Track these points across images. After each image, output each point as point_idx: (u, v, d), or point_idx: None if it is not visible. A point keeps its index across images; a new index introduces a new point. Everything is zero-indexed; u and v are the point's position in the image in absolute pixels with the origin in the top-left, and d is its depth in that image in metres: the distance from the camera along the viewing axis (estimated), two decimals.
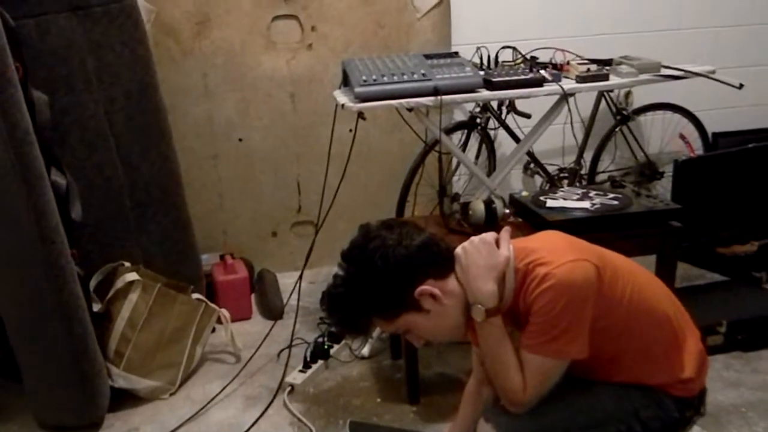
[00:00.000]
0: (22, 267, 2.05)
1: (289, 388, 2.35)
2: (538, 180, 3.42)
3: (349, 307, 1.42)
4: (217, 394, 2.35)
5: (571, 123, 3.17)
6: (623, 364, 1.43)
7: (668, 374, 1.43)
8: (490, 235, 1.43)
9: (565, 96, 2.43)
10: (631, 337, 1.42)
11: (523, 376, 1.37)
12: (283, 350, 2.60)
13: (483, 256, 1.40)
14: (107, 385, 2.25)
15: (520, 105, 3.10)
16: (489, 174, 3.05)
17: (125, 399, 2.32)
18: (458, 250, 1.44)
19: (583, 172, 3.32)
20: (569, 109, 2.70)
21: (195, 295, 2.56)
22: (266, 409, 2.25)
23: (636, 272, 1.47)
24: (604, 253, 1.44)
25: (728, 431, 1.96)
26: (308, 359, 2.49)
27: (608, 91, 3.25)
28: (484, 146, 3.26)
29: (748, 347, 2.38)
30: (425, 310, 1.40)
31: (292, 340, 2.56)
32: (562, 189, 2.34)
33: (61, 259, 2.06)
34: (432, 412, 2.19)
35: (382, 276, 1.37)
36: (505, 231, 1.45)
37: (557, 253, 1.37)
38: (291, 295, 2.72)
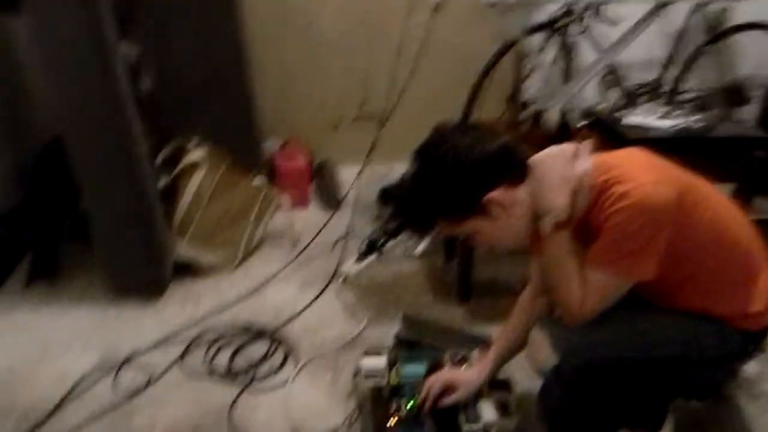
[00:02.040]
0: (95, 134, 2.10)
1: (342, 277, 2.42)
2: (615, 94, 3.26)
3: (416, 207, 1.41)
4: (275, 275, 2.44)
5: (659, 36, 2.96)
6: (692, 290, 1.40)
7: (735, 306, 1.40)
8: (569, 147, 1.37)
9: (660, 5, 2.26)
10: (704, 265, 1.37)
11: (582, 291, 1.36)
12: (338, 241, 2.65)
13: (559, 167, 1.35)
14: (172, 256, 2.35)
15: (607, 11, 2.91)
16: (564, 83, 2.92)
17: (188, 271, 2.43)
18: (534, 158, 1.39)
19: (664, 89, 3.14)
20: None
21: (257, 179, 2.61)
22: (320, 294, 2.32)
23: (718, 201, 1.40)
24: (687, 178, 1.37)
25: None
26: (363, 252, 2.54)
27: (704, 5, 3.01)
28: (562, 52, 3.10)
29: None
30: (492, 216, 1.38)
31: (348, 232, 2.60)
32: (643, 106, 2.22)
33: (132, 130, 2.10)
34: (480, 313, 2.23)
35: (453, 178, 1.34)
36: (586, 144, 1.39)
37: (638, 172, 1.31)
38: (351, 188, 2.73)
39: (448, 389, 1.60)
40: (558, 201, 1.34)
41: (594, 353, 1.37)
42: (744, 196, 2.03)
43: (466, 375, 1.62)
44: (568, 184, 1.34)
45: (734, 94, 3.21)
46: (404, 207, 1.44)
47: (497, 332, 1.67)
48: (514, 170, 1.37)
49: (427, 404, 1.58)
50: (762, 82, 3.16)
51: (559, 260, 1.37)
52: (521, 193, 1.38)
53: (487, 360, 1.62)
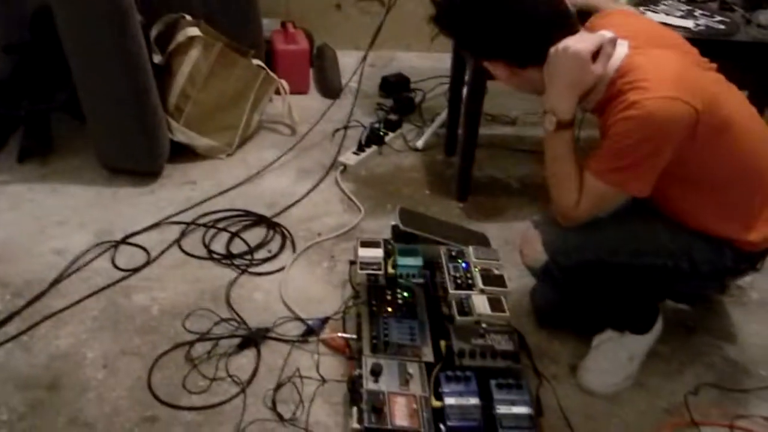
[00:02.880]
0: (85, 6, 1.99)
1: (341, 167, 2.39)
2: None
3: (462, 20, 1.38)
4: (273, 162, 2.41)
5: None
6: (697, 209, 1.39)
7: (736, 231, 1.40)
8: (587, 47, 1.28)
9: None
10: (715, 187, 1.36)
11: (579, 194, 1.35)
12: (338, 130, 2.59)
13: (571, 70, 1.29)
14: (167, 137, 2.30)
15: None
16: None
17: (184, 154, 2.39)
18: (552, 50, 1.32)
19: None
20: None
21: (255, 61, 2.51)
22: (318, 183, 2.31)
23: (746, 119, 1.36)
24: (717, 95, 1.31)
25: None
26: (362, 143, 2.50)
27: None
28: None
29: None
30: (510, 70, 1.38)
31: (348, 121, 2.54)
32: (666, 2, 2.11)
33: (124, 2, 1.99)
34: (477, 210, 2.23)
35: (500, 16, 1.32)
36: (609, 44, 1.30)
37: (662, 82, 1.24)
38: (352, 76, 2.65)
39: None
40: (563, 103, 1.32)
41: (584, 255, 1.39)
42: (758, 105, 1.98)
43: None
44: (577, 89, 1.30)
45: None
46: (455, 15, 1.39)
47: None
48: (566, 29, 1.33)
49: None
50: None
51: (558, 159, 1.37)
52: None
53: None
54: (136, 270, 1.87)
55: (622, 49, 1.31)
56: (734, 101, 1.36)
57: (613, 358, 1.57)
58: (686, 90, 1.24)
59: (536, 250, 1.45)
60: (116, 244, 1.96)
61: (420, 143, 2.58)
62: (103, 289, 1.80)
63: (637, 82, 1.25)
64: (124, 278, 1.84)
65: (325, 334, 1.65)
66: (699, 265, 1.41)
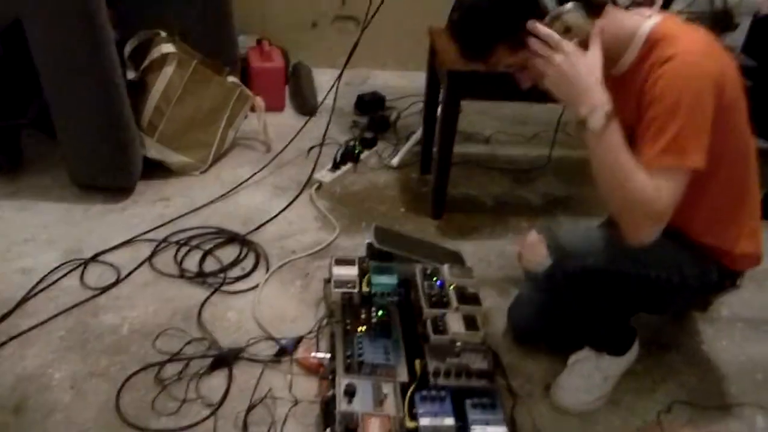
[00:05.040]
0: (59, 21, 1.96)
1: (316, 185, 2.39)
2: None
3: (484, 24, 1.31)
4: (247, 179, 2.39)
5: None
6: (692, 217, 1.40)
7: (724, 240, 1.42)
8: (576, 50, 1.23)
9: None
10: (716, 181, 1.35)
11: (650, 180, 1.22)
12: (313, 147, 2.59)
13: (584, 71, 1.22)
14: (140, 154, 2.27)
15: None
16: None
17: (157, 170, 2.37)
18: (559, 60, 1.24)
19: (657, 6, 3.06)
20: None
21: (230, 78, 2.50)
22: (293, 200, 2.29)
23: (748, 121, 1.37)
24: (736, 74, 1.31)
25: (740, 294, 1.91)
26: (338, 160, 2.50)
27: None
28: None
29: None
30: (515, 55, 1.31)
31: (324, 139, 2.54)
32: None
33: (98, 17, 1.97)
34: (453, 228, 2.24)
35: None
36: (597, 33, 1.25)
37: (693, 43, 1.24)
38: (327, 94, 2.65)
39: None
40: (601, 96, 1.22)
41: (587, 261, 1.39)
42: None
43: None
44: (599, 78, 1.23)
45: (722, 19, 3.15)
46: (468, 26, 1.34)
47: None
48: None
49: None
50: (749, 9, 3.09)
51: (619, 152, 1.23)
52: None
53: None
54: (105, 288, 1.83)
55: (654, 17, 1.30)
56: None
57: (588, 377, 1.58)
58: (714, 57, 1.25)
59: (540, 254, 1.43)
60: (85, 263, 1.92)
61: (395, 161, 2.58)
62: (72, 308, 1.75)
63: (670, 41, 1.25)
64: (93, 297, 1.80)
65: (299, 353, 1.63)
66: (688, 279, 1.43)
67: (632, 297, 1.47)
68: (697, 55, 1.22)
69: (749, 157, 1.39)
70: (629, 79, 1.33)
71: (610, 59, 1.28)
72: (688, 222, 1.42)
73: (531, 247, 1.46)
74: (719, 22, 3.16)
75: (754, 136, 1.39)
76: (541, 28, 1.23)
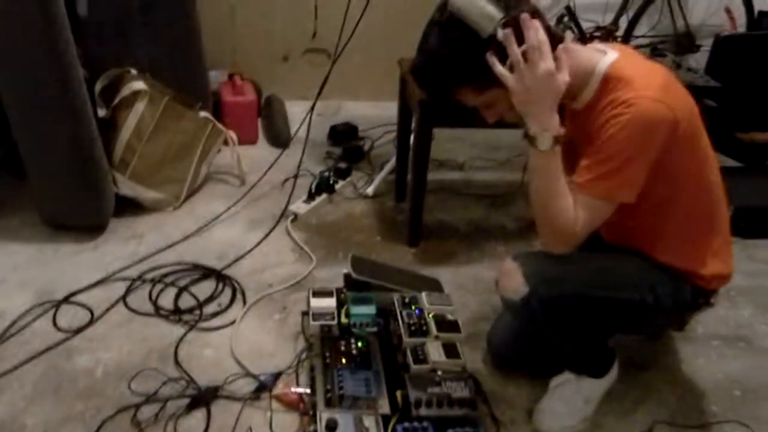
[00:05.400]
0: (27, 59, 1.95)
1: (292, 217, 2.38)
2: (569, 36, 3.24)
3: (447, 71, 1.32)
4: (222, 213, 2.38)
5: None
6: (658, 229, 1.43)
7: (691, 261, 1.44)
8: (550, 65, 1.24)
9: None
10: (677, 198, 1.39)
11: (575, 209, 1.33)
12: (288, 179, 2.59)
13: (547, 89, 1.25)
14: (112, 191, 2.25)
15: None
16: None
17: (130, 207, 2.34)
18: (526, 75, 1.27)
19: (618, 34, 3.15)
20: None
21: (202, 113, 2.50)
22: (269, 233, 2.28)
23: (710, 150, 1.40)
24: (695, 115, 1.34)
25: (715, 312, 2.01)
26: (313, 191, 2.50)
27: None
28: None
29: (748, 235, 2.41)
30: (479, 95, 1.34)
31: (298, 170, 2.54)
32: None
33: (67, 56, 1.96)
34: (429, 255, 2.24)
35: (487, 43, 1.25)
36: (563, 51, 1.26)
37: (650, 85, 1.27)
38: (300, 125, 2.66)
39: None
40: (552, 121, 1.28)
41: (563, 287, 1.40)
42: None
43: None
44: (556, 103, 1.27)
45: (685, 42, 3.25)
46: (433, 72, 1.35)
47: None
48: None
49: None
50: (711, 30, 3.20)
51: (552, 177, 1.33)
52: None
53: None
54: (78, 330, 1.79)
55: (611, 54, 1.34)
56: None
57: (570, 400, 1.58)
58: (671, 97, 1.28)
59: (517, 281, 1.42)
60: (58, 304, 1.88)
61: (370, 190, 2.59)
62: (44, 352, 1.71)
63: (627, 82, 1.28)
64: (65, 339, 1.76)
65: (278, 389, 1.61)
66: (662, 299, 1.44)
67: (609, 320, 1.48)
68: (652, 99, 1.25)
69: (712, 181, 1.42)
70: (585, 117, 1.36)
71: (568, 93, 1.30)
72: (657, 247, 1.45)
73: (507, 275, 1.46)
74: (682, 45, 3.28)
75: (719, 154, 1.43)
76: (513, 49, 1.23)
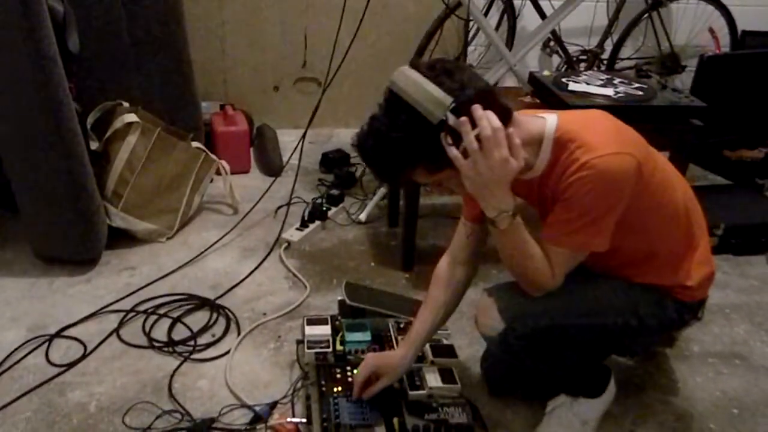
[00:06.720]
0: (19, 95, 1.97)
1: (285, 244, 2.38)
2: (556, 60, 3.29)
3: (398, 154, 1.25)
4: (215, 243, 2.37)
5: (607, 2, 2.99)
6: (637, 261, 1.43)
7: (674, 278, 1.44)
8: (505, 154, 1.20)
9: None
10: (652, 234, 1.40)
11: (548, 265, 1.34)
12: (281, 207, 2.59)
13: (500, 175, 1.21)
14: (105, 223, 2.25)
15: None
16: (508, 47, 2.92)
17: (123, 239, 2.34)
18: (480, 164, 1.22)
19: (603, 56, 3.20)
20: None
21: (194, 144, 2.51)
22: (262, 261, 2.28)
23: (669, 170, 1.42)
24: (647, 146, 1.36)
25: (710, 329, 2.03)
26: (306, 218, 2.50)
27: None
28: (505, 17, 3.10)
29: (740, 252, 2.42)
30: (431, 176, 1.29)
31: (291, 198, 2.55)
32: (585, 73, 2.24)
33: (59, 91, 1.97)
34: (423, 280, 2.23)
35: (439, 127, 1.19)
36: (515, 130, 1.23)
37: (602, 140, 1.27)
38: (292, 153, 2.67)
39: (374, 375, 1.52)
40: (506, 202, 1.26)
41: (539, 320, 1.39)
42: (679, 164, 2.09)
43: (390, 360, 1.52)
44: (509, 184, 1.25)
45: (670, 63, 3.30)
46: (381, 155, 1.29)
47: (417, 313, 1.57)
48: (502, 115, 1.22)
49: (355, 393, 1.52)
50: (695, 51, 3.25)
51: (520, 246, 1.32)
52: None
53: (410, 342, 1.52)
54: (71, 365, 1.78)
55: (551, 117, 1.33)
56: (653, 150, 1.42)
57: (567, 424, 1.57)
58: (626, 143, 1.28)
59: (492, 317, 1.42)
60: (50, 338, 1.87)
61: (363, 216, 2.60)
62: (36, 387, 1.69)
63: (580, 143, 1.27)
64: (59, 374, 1.74)
65: (274, 419, 1.59)
66: (645, 319, 1.44)
67: (594, 346, 1.48)
68: (614, 154, 1.24)
69: (679, 198, 1.42)
70: (543, 184, 1.35)
71: (523, 168, 1.25)
72: (639, 273, 1.44)
73: (482, 312, 1.45)
74: (667, 66, 3.33)
75: (708, 172, 1.45)
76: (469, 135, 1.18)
